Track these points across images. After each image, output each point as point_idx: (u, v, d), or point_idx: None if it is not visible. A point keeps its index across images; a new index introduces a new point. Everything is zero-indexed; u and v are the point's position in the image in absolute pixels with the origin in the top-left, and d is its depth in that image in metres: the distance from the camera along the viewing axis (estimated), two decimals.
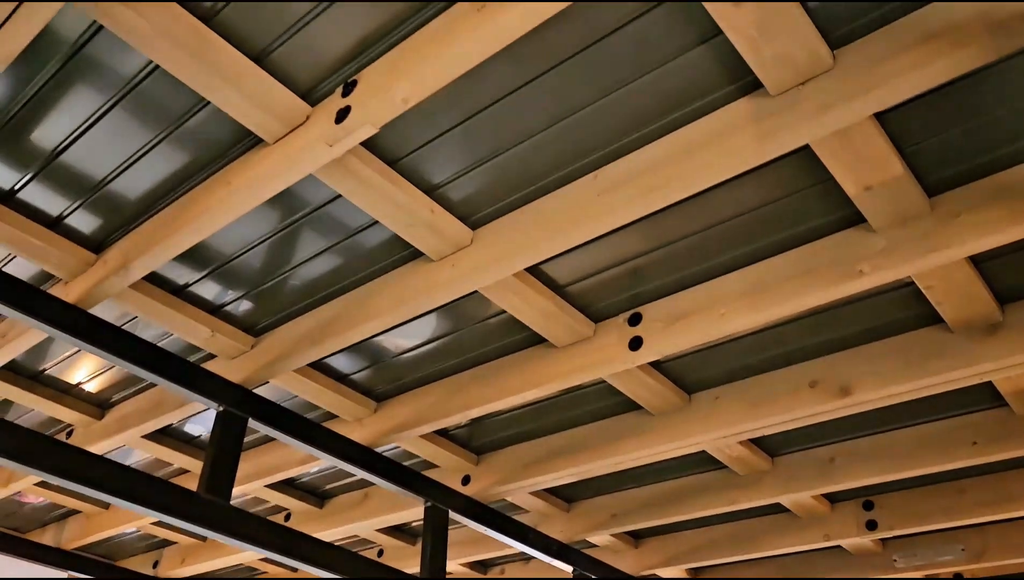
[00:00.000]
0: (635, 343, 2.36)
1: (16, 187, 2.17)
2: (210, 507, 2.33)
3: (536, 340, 2.58)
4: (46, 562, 3.98)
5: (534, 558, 4.16)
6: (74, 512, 4.00)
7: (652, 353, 2.33)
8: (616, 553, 3.89)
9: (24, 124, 1.99)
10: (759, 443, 3.04)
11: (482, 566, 4.30)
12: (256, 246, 2.32)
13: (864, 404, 2.45)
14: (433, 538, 2.97)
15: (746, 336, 2.51)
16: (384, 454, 3.10)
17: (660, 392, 2.70)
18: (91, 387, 3.03)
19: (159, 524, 3.99)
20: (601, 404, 2.91)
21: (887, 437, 2.91)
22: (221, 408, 2.50)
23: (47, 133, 2.01)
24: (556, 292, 2.37)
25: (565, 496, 3.61)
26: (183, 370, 2.47)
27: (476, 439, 3.23)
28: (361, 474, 2.86)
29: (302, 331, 2.53)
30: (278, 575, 4.53)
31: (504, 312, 2.47)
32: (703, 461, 3.19)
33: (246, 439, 3.19)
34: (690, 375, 2.71)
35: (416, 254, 2.26)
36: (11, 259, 2.38)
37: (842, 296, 2.05)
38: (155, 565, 4.35)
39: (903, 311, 2.34)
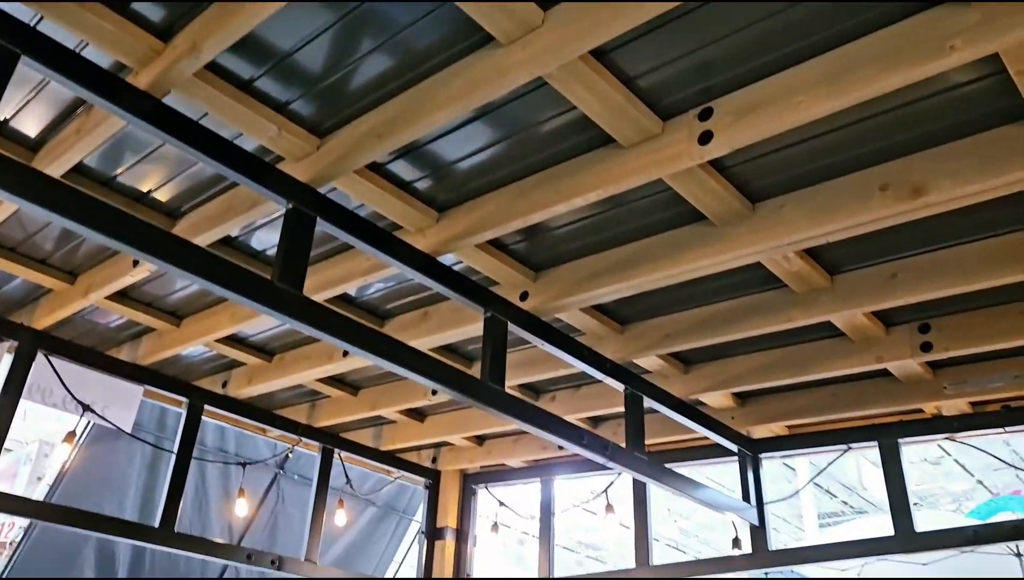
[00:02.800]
0: (705, 137, 2.33)
1: None
2: (285, 295, 2.42)
3: (602, 141, 2.55)
4: (123, 375, 4.21)
5: (584, 385, 4.31)
6: (148, 330, 4.19)
7: (723, 146, 2.30)
8: (666, 378, 3.98)
9: None
10: (820, 259, 3.03)
11: (533, 391, 4.44)
12: (317, 38, 2.30)
13: (936, 206, 2.41)
14: (493, 348, 3.07)
15: (816, 137, 2.46)
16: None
17: (724, 198, 2.68)
18: (162, 196, 3.10)
19: (228, 343, 4.17)
20: (664, 215, 2.91)
21: (952, 252, 2.88)
22: (291, 205, 2.56)
23: None
24: (626, 84, 2.33)
25: (619, 317, 3.67)
26: (253, 165, 2.53)
27: (535, 254, 3.27)
28: (424, 281, 2.94)
29: (367, 128, 2.54)
30: (339, 397, 4.74)
31: (570, 110, 2.45)
32: (761, 280, 3.20)
33: (316, 250, 3.31)
34: (756, 181, 2.69)
35: (485, 40, 2.22)
36: (83, 47, 2.38)
37: (930, 74, 1.98)
38: (224, 385, 4.58)
39: (986, 105, 2.26)
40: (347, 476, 5.15)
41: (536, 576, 5.03)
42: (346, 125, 2.62)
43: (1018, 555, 8.51)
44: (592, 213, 2.96)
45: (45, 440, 8.52)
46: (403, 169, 2.84)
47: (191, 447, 4.33)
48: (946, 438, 3.92)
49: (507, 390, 4.01)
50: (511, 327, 3.13)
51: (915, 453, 16.42)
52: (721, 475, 11.48)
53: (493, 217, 2.85)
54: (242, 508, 4.91)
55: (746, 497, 4.22)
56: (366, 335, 2.64)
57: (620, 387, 3.58)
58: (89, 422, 4.58)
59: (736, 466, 4.33)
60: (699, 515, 18.80)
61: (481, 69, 2.25)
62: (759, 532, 4.22)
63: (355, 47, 2.34)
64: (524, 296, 3.34)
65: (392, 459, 5.39)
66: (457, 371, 2.99)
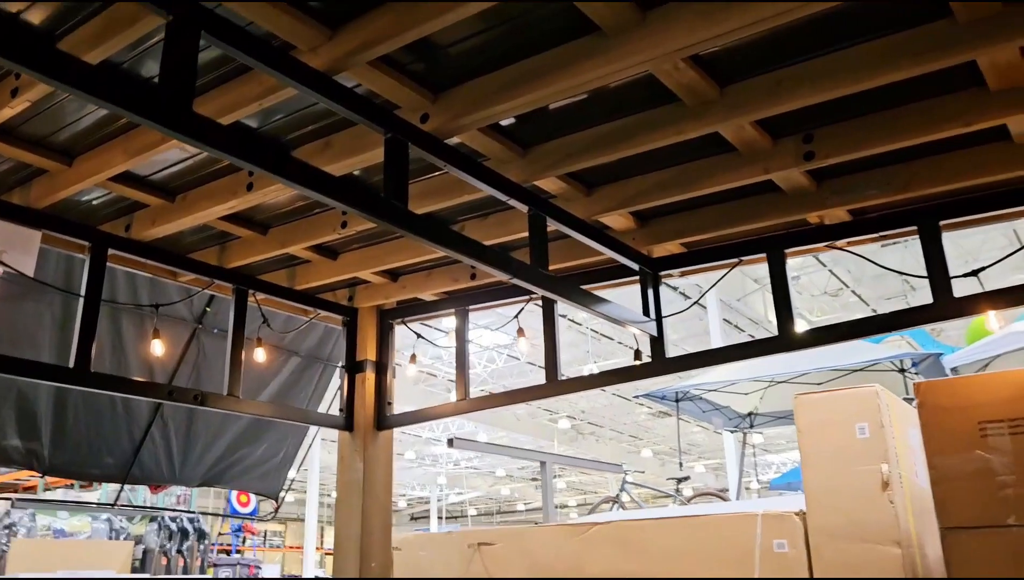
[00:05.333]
0: None
1: None
2: (173, 111, 2.38)
3: None
4: (18, 220, 4.09)
5: (492, 213, 4.42)
6: (40, 172, 4.04)
7: None
8: (568, 201, 4.11)
9: None
10: (711, 69, 3.13)
11: (442, 222, 4.53)
12: None
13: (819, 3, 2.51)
14: (395, 170, 3.11)
15: None
16: None
17: (615, 6, 2.72)
18: (33, 17, 2.93)
19: (126, 183, 4.07)
20: (554, 25, 2.92)
21: (834, 58, 3.00)
22: (171, 18, 2.48)
23: None
24: None
25: (521, 140, 3.73)
26: None
27: (433, 74, 3.26)
28: (323, 101, 2.92)
29: None
30: (249, 236, 4.73)
31: None
32: (654, 96, 3.28)
33: (202, 79, 3.22)
34: None
35: None
36: None
37: None
38: (127, 228, 4.51)
39: None
40: (264, 317, 5.23)
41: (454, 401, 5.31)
42: None
43: (902, 371, 9.35)
44: (484, 28, 2.95)
45: None
46: None
47: (99, 291, 4.31)
48: (827, 246, 4.21)
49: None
50: (413, 150, 3.17)
51: (816, 285, 17.46)
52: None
53: (384, 30, 2.81)
54: (157, 348, 4.95)
55: (646, 312, 4.49)
56: (268, 154, 2.64)
57: (524, 209, 3.70)
58: None
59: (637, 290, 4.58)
60: (617, 357, 19.78)
61: None
62: (658, 343, 4.53)
63: None
64: (424, 118, 3.35)
65: (309, 299, 5.47)
66: (365, 189, 3.04)
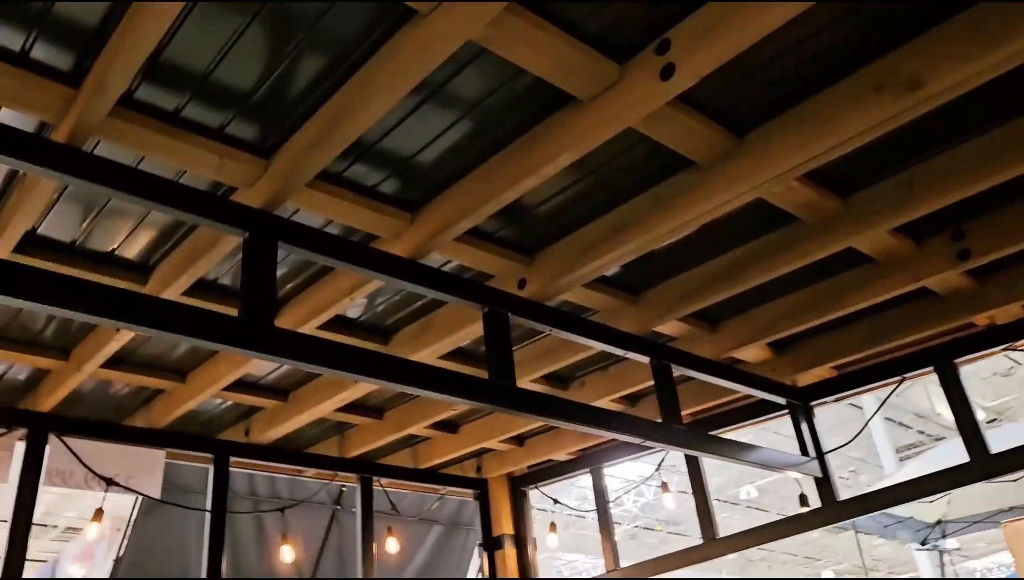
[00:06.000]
0: (667, 71, 2.11)
1: None
2: (254, 330, 2.24)
3: (560, 100, 2.34)
4: (143, 442, 4.09)
5: (612, 364, 4.09)
6: (158, 392, 4.07)
7: (688, 77, 2.08)
8: (692, 341, 3.75)
9: None
10: (826, 181, 2.78)
11: (560, 381, 4.24)
12: (233, 47, 2.12)
13: (937, 97, 2.15)
14: (496, 344, 2.87)
15: (791, 48, 2.22)
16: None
17: (706, 136, 2.46)
18: (127, 252, 2.96)
19: (239, 390, 4.03)
20: (647, 169, 2.68)
21: (967, 147, 2.61)
22: (246, 234, 2.39)
23: None
24: (570, 33, 2.11)
25: (629, 287, 3.45)
26: (198, 200, 2.36)
27: (524, 238, 3.07)
28: (411, 287, 2.76)
29: (310, 137, 2.36)
30: (365, 423, 4.58)
31: (518, 74, 2.24)
32: (769, 218, 2.95)
33: (294, 282, 3.15)
34: (736, 111, 2.45)
35: (407, 14, 2.03)
36: None
37: None
38: (247, 433, 4.46)
39: None
40: (391, 503, 5.00)
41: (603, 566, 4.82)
42: (288, 138, 2.44)
43: None
44: (570, 182, 2.75)
45: (118, 515, 8.53)
46: (362, 174, 2.65)
47: (223, 501, 4.21)
48: (1005, 349, 3.62)
49: (529, 383, 3.85)
50: (513, 318, 2.93)
51: (984, 368, 15.86)
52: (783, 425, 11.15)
53: (465, 205, 2.65)
54: (288, 555, 4.76)
55: (804, 450, 3.96)
56: (354, 357, 2.45)
57: (645, 359, 3.36)
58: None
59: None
60: (774, 474, 18.38)
61: (408, 47, 2.05)
62: (825, 484, 3.96)
63: (276, 50, 2.16)
64: (522, 284, 3.13)
65: (434, 476, 5.22)
66: (461, 377, 2.79)
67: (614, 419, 3.11)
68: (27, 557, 3.61)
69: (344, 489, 5.95)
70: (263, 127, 2.43)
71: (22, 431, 3.73)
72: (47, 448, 3.76)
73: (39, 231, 2.78)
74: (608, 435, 3.08)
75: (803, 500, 4.12)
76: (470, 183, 2.65)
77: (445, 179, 2.70)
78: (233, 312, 2.27)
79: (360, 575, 4.57)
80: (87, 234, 2.83)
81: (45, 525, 10.97)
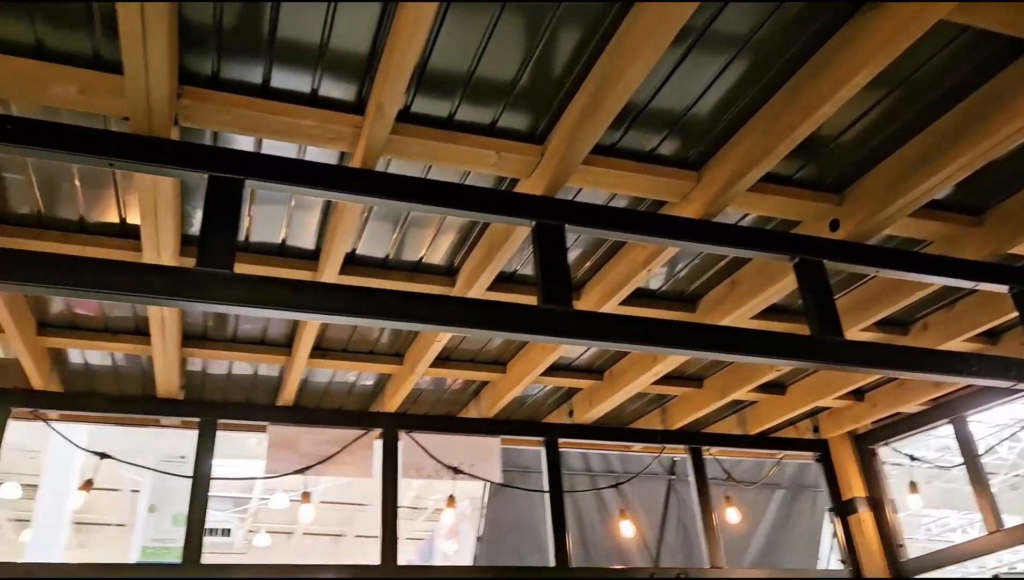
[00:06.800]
0: None
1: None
2: (553, 315, 2.23)
3: (840, 16, 2.02)
4: (479, 432, 4.37)
5: (958, 299, 3.55)
6: (484, 384, 4.32)
7: None
8: None
9: None
10: None
11: (898, 325, 3.75)
12: (489, 42, 2.12)
13: None
14: (815, 295, 2.59)
15: None
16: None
17: None
18: (433, 258, 3.14)
19: (556, 374, 4.13)
20: (971, 68, 2.24)
21: None
22: (533, 223, 2.39)
23: None
24: None
25: (968, 208, 2.93)
26: (485, 198, 2.42)
27: (827, 175, 2.73)
28: (709, 249, 2.59)
29: (578, 112, 2.29)
30: (685, 393, 4.46)
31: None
32: None
33: (591, 261, 3.12)
34: None
35: None
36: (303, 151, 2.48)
37: None
38: (570, 414, 4.57)
39: None
40: (725, 471, 4.83)
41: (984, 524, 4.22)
42: (557, 120, 2.40)
43: None
44: (873, 102, 2.39)
45: (476, 496, 9.39)
46: (638, 141, 2.53)
47: (559, 481, 4.34)
48: None
49: (859, 334, 3.46)
50: (830, 265, 2.63)
51: None
52: None
53: (754, 152, 2.41)
54: (628, 529, 4.80)
55: None
56: (657, 331, 2.35)
57: (1003, 289, 2.84)
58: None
59: None
60: None
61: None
62: None
63: (529, 35, 2.12)
64: (834, 225, 2.80)
65: (767, 441, 4.94)
66: (778, 337, 2.56)
67: (972, 362, 2.65)
68: (407, 536, 4.05)
69: (676, 459, 5.87)
70: (532, 113, 2.41)
71: (377, 431, 4.17)
72: (399, 444, 4.16)
73: (357, 252, 3.04)
74: (966, 381, 2.63)
75: None
76: (755, 127, 2.41)
77: (727, 128, 2.48)
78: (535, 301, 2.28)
79: (704, 547, 4.47)
80: (397, 247, 3.05)
81: (416, 508, 12.39)
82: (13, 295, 3.09)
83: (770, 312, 3.45)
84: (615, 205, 2.78)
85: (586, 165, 2.47)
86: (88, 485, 3.92)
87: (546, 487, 4.33)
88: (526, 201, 2.44)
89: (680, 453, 4.81)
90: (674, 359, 3.69)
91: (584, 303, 3.25)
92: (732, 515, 4.72)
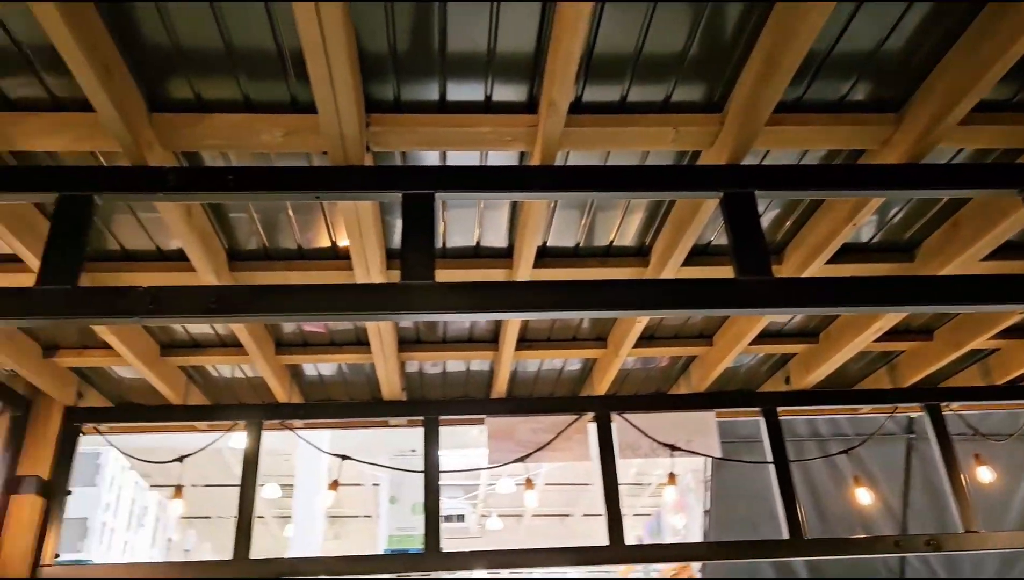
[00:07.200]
0: None
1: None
2: (750, 286, 2.17)
3: None
4: (693, 407, 4.30)
5: None
6: (692, 359, 4.26)
7: None
8: None
9: None
10: None
11: None
12: (651, 20, 2.08)
13: None
14: None
15: None
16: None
17: None
18: (624, 240, 3.13)
19: (767, 341, 3.99)
20: None
21: None
22: (721, 194, 2.33)
23: None
24: None
25: None
26: (668, 177, 2.39)
27: None
28: (914, 195, 2.40)
29: (757, 73, 2.18)
30: (914, 348, 4.14)
31: None
32: None
33: (790, 221, 2.99)
34: None
35: None
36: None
37: None
38: (787, 380, 4.38)
39: None
40: (971, 427, 4.43)
41: None
42: (733, 85, 2.31)
43: None
44: None
45: (699, 470, 9.32)
46: (824, 91, 2.38)
47: (783, 451, 4.19)
48: None
49: None
50: None
51: None
52: None
53: (960, 81, 2.19)
54: (864, 496, 4.54)
55: None
56: (866, 289, 2.20)
57: None
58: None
59: None
60: None
61: None
62: None
63: (695, 5, 2.06)
64: None
65: (1018, 390, 4.46)
66: (1015, 279, 2.31)
67: None
68: (634, 513, 4.11)
69: (914, 416, 5.44)
70: (706, 82, 2.33)
71: (590, 414, 4.23)
72: (613, 426, 4.20)
73: (548, 243, 3.10)
74: None
75: None
76: (959, 54, 2.18)
77: (925, 60, 2.27)
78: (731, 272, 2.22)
79: (955, 510, 4.12)
80: (586, 233, 3.07)
81: (640, 484, 12.42)
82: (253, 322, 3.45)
83: (1004, 250, 3.11)
84: (807, 163, 2.63)
85: (771, 126, 2.36)
86: (335, 485, 4.31)
87: (770, 458, 4.20)
88: (711, 173, 2.38)
89: (916, 411, 4.47)
90: (893, 315, 3.44)
91: (786, 268, 3.11)
92: (984, 474, 4.33)
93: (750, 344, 3.83)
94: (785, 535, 4.00)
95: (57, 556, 3.79)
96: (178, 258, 3.03)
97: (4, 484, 3.74)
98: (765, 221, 2.99)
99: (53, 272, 2.03)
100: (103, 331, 3.36)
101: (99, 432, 4.14)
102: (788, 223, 3.04)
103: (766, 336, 3.93)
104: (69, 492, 3.94)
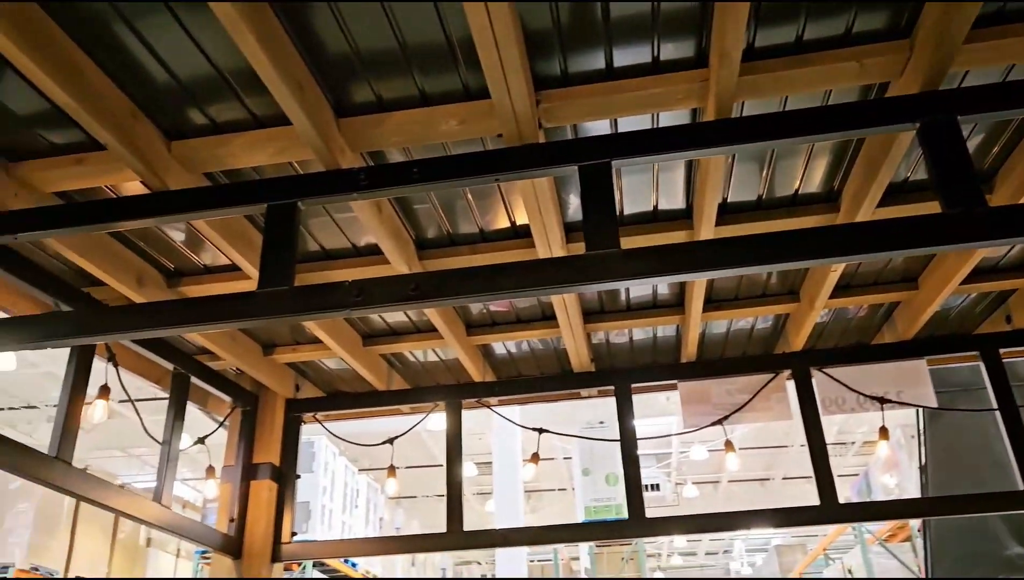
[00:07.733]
0: None
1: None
2: (956, 221, 2.00)
3: None
4: (903, 355, 4.04)
5: None
6: (894, 305, 3.99)
7: None
8: None
9: None
10: None
11: None
12: None
13: None
14: None
15: None
16: None
17: None
18: (810, 188, 2.98)
19: (980, 280, 3.67)
20: None
21: None
22: (918, 125, 2.17)
23: None
24: None
25: None
26: (848, 115, 2.26)
27: None
28: None
29: None
30: None
31: None
32: None
33: (998, 146, 2.75)
34: None
35: None
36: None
37: None
38: (1008, 319, 4.01)
39: None
40: None
41: None
42: (922, 4, 2.13)
43: None
44: None
45: (909, 424, 8.78)
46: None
47: (1009, 396, 3.84)
48: None
49: None
50: None
51: None
52: None
53: None
54: None
55: None
56: None
57: None
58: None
59: None
60: None
61: None
62: None
63: None
64: None
65: None
66: None
67: None
68: (838, 474, 3.92)
69: None
70: (890, 5, 2.17)
71: (787, 372, 4.08)
72: (813, 382, 4.03)
73: (729, 200, 3.01)
74: None
75: None
76: None
77: None
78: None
79: None
80: (768, 185, 2.95)
81: (843, 443, 11.84)
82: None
83: None
84: (1014, 79, 2.39)
85: (969, 44, 2.16)
86: (535, 458, 4.43)
87: (994, 405, 3.87)
88: (904, 103, 2.21)
89: None
90: None
91: (998, 197, 2.84)
92: None
93: (961, 284, 3.54)
94: (1020, 486, 3.68)
95: (294, 534, 4.18)
96: (371, 253, 3.23)
97: (243, 471, 4.16)
98: (969, 148, 2.75)
99: (271, 275, 2.23)
100: (313, 327, 3.64)
101: (317, 420, 4.50)
102: (995, 149, 2.78)
103: (979, 273, 3.62)
104: (298, 476, 4.33)
